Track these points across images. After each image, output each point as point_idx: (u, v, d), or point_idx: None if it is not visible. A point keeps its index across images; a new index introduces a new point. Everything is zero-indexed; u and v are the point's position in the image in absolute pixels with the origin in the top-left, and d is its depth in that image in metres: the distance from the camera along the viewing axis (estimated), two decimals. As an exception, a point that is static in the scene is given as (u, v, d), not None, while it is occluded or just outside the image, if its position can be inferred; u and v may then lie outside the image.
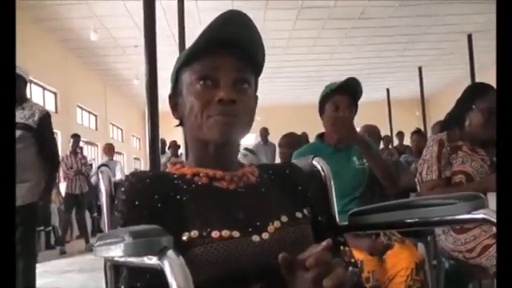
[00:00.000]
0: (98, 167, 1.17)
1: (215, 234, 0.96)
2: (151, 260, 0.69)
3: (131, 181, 1.04)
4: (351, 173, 2.55)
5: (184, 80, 1.10)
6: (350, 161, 2.59)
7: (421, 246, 3.11)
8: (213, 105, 1.04)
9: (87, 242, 8.69)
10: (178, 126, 1.17)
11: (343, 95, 2.54)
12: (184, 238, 0.95)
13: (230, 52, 1.06)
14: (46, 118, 3.75)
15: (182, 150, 8.06)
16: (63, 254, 8.21)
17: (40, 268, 6.82)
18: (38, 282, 5.52)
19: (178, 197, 1.03)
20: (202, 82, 1.05)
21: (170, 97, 1.16)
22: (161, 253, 0.68)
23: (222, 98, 1.02)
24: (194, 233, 0.96)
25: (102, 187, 1.12)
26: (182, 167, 1.12)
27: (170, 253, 0.67)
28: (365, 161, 2.59)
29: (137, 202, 0.99)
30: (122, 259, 0.80)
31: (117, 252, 0.75)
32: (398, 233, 2.47)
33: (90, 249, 8.46)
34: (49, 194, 3.93)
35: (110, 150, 9.73)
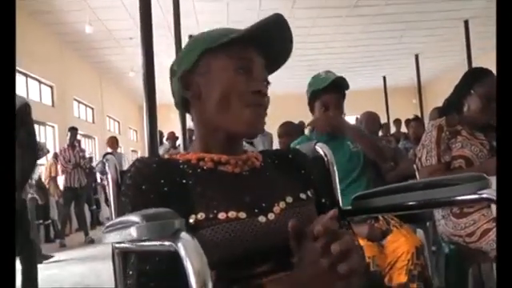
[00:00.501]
0: (104, 155, 1.17)
1: (222, 215, 0.97)
2: (163, 243, 0.69)
3: (138, 166, 1.04)
4: (346, 157, 2.59)
5: (214, 62, 1.09)
6: (344, 145, 2.63)
7: (419, 231, 3.12)
8: (247, 95, 1.06)
9: (86, 234, 8.71)
10: (184, 104, 1.16)
11: (331, 94, 2.58)
12: (191, 220, 0.96)
13: (265, 52, 1.11)
14: (23, 109, 3.35)
15: (179, 142, 8.10)
16: (63, 246, 8.23)
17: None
18: (39, 274, 5.53)
19: (184, 181, 1.04)
20: (237, 70, 1.07)
21: (183, 74, 1.12)
22: (174, 235, 0.68)
23: (261, 89, 1.07)
24: (201, 215, 0.97)
25: (109, 175, 1.12)
26: (187, 153, 1.13)
27: (184, 234, 0.68)
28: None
29: (143, 187, 1.00)
30: (133, 244, 0.80)
31: (129, 236, 0.75)
32: (397, 217, 2.48)
33: (89, 241, 8.50)
34: (22, 189, 3.59)
35: (113, 143, 9.77)
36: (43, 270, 6.03)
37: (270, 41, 1.09)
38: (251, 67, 1.08)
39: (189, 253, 0.65)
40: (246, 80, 1.07)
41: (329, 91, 2.56)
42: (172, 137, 9.15)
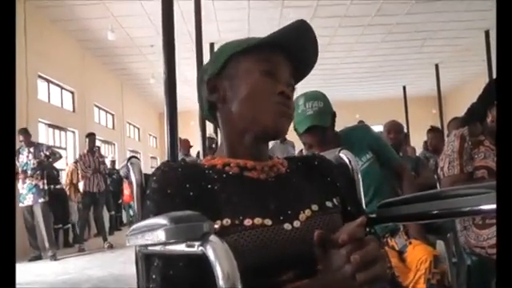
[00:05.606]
0: (128, 159, 1.17)
1: (247, 222, 0.97)
2: (191, 246, 0.69)
3: (163, 170, 1.04)
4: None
5: (240, 66, 1.11)
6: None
7: (440, 243, 3.08)
8: (273, 95, 1.07)
9: (105, 239, 8.77)
10: (211, 110, 1.17)
11: (310, 135, 2.43)
12: (216, 226, 0.95)
13: (291, 58, 1.13)
14: None
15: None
16: (82, 251, 8.28)
17: (59, 265, 6.93)
18: (59, 279, 5.60)
19: (210, 186, 1.04)
20: (263, 72, 1.09)
21: (210, 78, 1.15)
22: (203, 238, 0.67)
23: (284, 91, 1.08)
24: (227, 221, 0.97)
25: (133, 179, 1.12)
26: (213, 159, 1.13)
27: (213, 237, 0.67)
28: (368, 157, 2.55)
29: (169, 191, 1.00)
30: (158, 247, 0.79)
31: (156, 239, 0.74)
32: None
33: (108, 246, 8.55)
34: None
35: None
36: (62, 275, 6.10)
37: (296, 47, 1.11)
38: (277, 70, 1.10)
39: (218, 255, 0.64)
40: (271, 82, 1.08)
41: (308, 131, 2.41)
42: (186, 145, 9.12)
